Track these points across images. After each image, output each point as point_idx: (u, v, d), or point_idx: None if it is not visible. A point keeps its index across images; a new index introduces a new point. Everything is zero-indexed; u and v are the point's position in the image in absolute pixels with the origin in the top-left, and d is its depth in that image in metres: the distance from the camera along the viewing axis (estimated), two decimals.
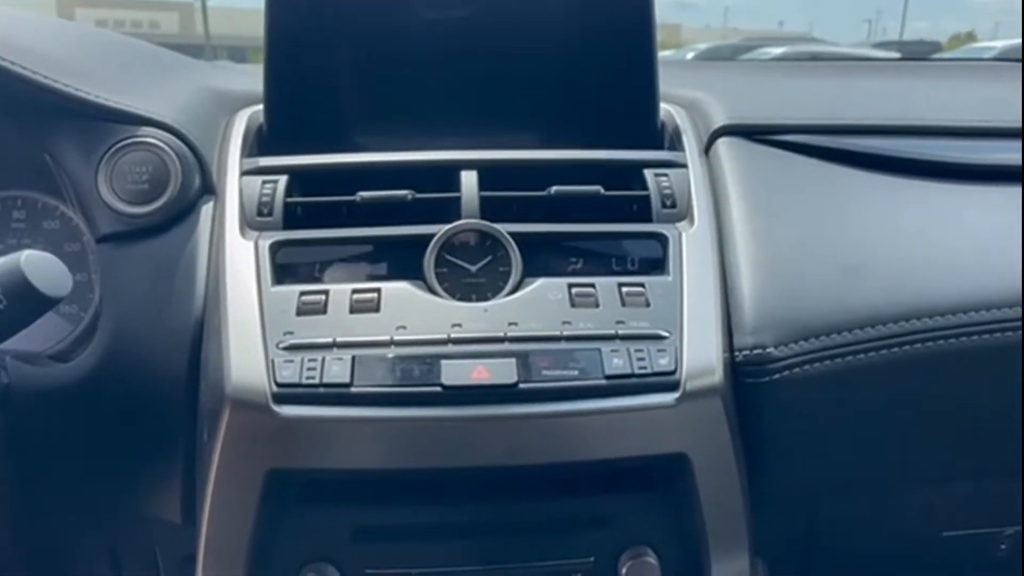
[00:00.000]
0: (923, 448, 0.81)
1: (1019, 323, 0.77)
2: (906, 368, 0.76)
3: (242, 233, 0.80)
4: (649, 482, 0.77)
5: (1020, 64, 1.18)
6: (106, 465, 0.82)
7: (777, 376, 0.75)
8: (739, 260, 0.80)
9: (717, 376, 0.73)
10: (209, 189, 0.85)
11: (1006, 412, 0.80)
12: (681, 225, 0.83)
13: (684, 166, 0.87)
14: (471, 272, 0.78)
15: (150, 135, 0.82)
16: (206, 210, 0.83)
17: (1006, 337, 0.77)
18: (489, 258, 0.78)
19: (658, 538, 0.78)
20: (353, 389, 0.69)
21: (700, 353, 0.73)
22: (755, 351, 0.75)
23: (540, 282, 0.77)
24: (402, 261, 0.79)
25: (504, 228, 0.79)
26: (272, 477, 0.71)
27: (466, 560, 0.77)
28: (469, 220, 0.79)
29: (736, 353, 0.76)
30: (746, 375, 0.75)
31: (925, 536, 0.91)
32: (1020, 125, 0.95)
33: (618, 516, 0.78)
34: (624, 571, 0.77)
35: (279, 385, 0.69)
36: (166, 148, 0.82)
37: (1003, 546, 0.92)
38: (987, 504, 0.90)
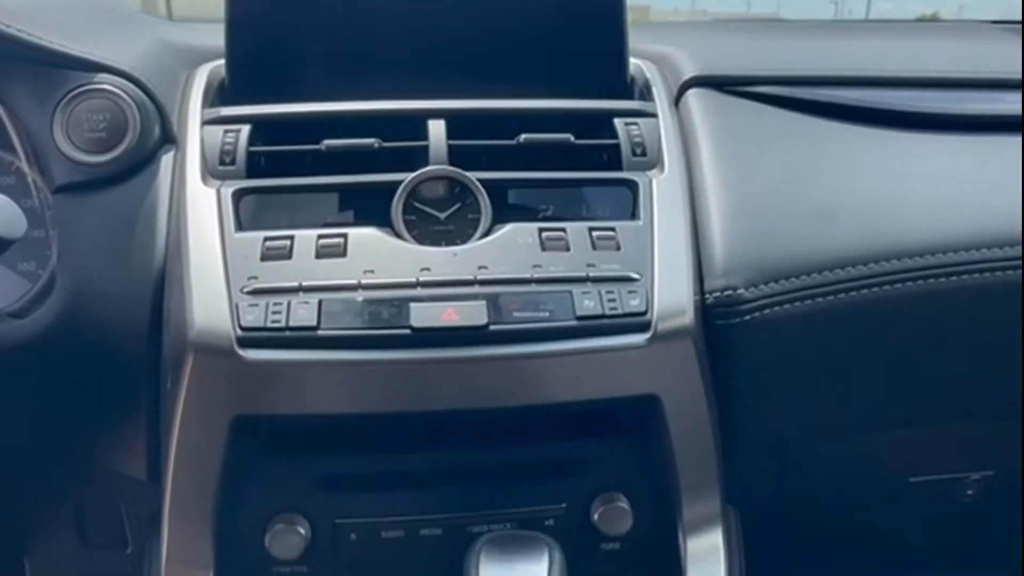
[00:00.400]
0: (893, 390, 0.82)
1: (991, 264, 0.78)
2: (878, 309, 0.76)
3: (204, 181, 0.78)
4: (621, 426, 0.77)
5: (994, 25, 1.19)
6: (67, 422, 0.80)
7: (748, 318, 0.75)
8: (710, 205, 0.80)
9: (688, 317, 0.73)
10: (169, 139, 0.83)
11: (977, 353, 0.80)
12: (652, 173, 0.82)
13: (654, 116, 0.87)
14: (440, 220, 0.77)
15: (107, 82, 0.80)
16: (166, 160, 0.81)
17: (978, 279, 0.78)
18: (458, 205, 0.77)
19: (630, 483, 0.78)
20: (320, 332, 0.68)
21: (671, 294, 0.73)
22: (726, 292, 0.75)
23: (510, 227, 0.76)
24: (369, 209, 0.78)
25: (474, 176, 0.78)
26: (238, 424, 0.69)
27: (437, 508, 0.76)
28: (437, 166, 0.78)
29: (707, 295, 0.75)
30: (717, 317, 0.75)
31: (893, 482, 0.92)
32: (990, 77, 0.95)
33: (590, 462, 0.77)
34: (596, 516, 0.77)
35: (243, 329, 0.68)
36: (124, 96, 0.80)
37: (969, 492, 0.93)
38: (954, 449, 0.91)
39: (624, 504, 0.77)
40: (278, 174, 0.80)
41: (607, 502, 0.77)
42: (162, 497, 0.74)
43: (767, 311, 0.75)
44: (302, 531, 0.75)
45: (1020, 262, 0.78)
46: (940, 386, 0.83)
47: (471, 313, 0.69)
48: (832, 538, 0.98)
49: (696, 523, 0.76)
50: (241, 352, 0.68)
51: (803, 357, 0.78)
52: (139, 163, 0.80)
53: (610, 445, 0.77)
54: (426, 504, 0.76)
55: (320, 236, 0.73)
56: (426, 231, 0.76)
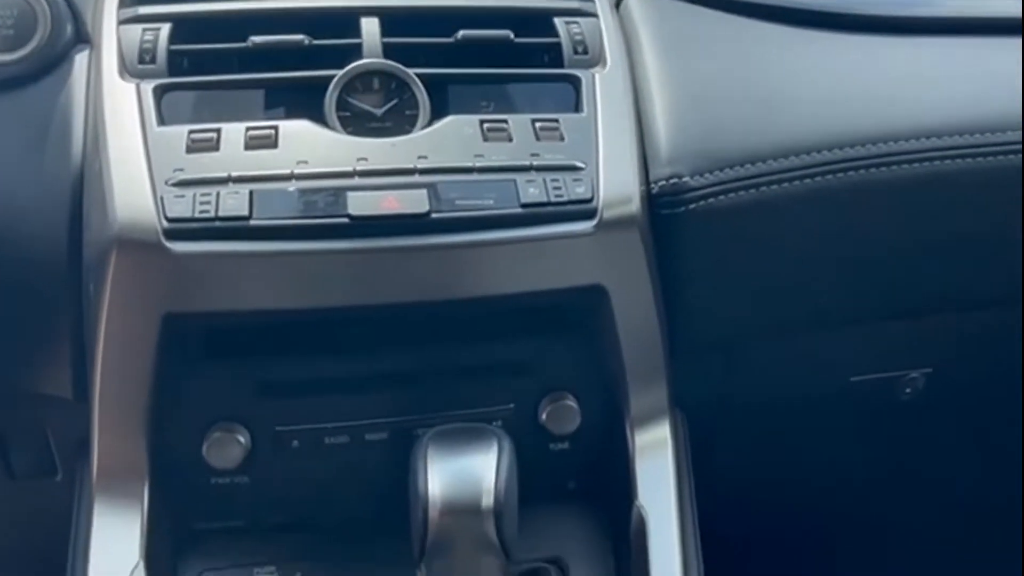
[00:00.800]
0: (839, 285, 0.82)
1: (939, 152, 0.78)
2: (825, 199, 0.76)
3: (122, 78, 0.73)
4: (567, 323, 0.75)
5: None
6: None
7: (694, 206, 0.74)
8: (654, 100, 0.79)
9: (634, 205, 0.71)
10: (83, 38, 0.78)
11: (926, 245, 0.81)
12: (594, 70, 0.80)
13: (595, 15, 0.84)
14: (376, 116, 0.74)
15: None
16: (80, 59, 0.77)
17: (928, 167, 0.78)
18: (395, 101, 0.74)
19: (577, 382, 0.77)
20: (252, 222, 0.65)
21: (617, 183, 0.71)
22: (671, 181, 0.74)
23: (450, 119, 0.73)
24: (300, 107, 0.74)
25: (411, 71, 0.75)
26: (169, 324, 0.66)
27: (382, 412, 0.74)
28: (372, 60, 0.75)
29: (652, 184, 0.74)
30: (663, 206, 0.74)
31: (834, 382, 0.93)
32: None
33: (536, 361, 0.76)
34: (544, 416, 0.76)
35: (170, 220, 0.64)
36: None
37: (908, 390, 0.95)
38: (893, 347, 0.92)
39: (572, 402, 0.76)
40: (202, 74, 0.75)
41: (555, 401, 0.76)
42: (91, 413, 0.70)
43: (713, 200, 0.74)
44: (241, 439, 0.72)
45: (969, 150, 0.78)
46: (884, 281, 0.83)
47: (412, 200, 0.66)
48: (776, 441, 0.99)
49: (644, 417, 0.76)
50: (168, 244, 0.64)
51: (750, 249, 0.78)
52: (51, 62, 0.76)
53: (557, 343, 0.76)
54: (370, 408, 0.74)
55: (249, 128, 0.70)
56: (361, 127, 0.73)
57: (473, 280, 0.69)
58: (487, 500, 0.62)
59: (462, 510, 0.61)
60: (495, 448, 0.64)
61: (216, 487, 0.73)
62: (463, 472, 0.63)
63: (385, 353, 0.73)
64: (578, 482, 0.80)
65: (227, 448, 0.72)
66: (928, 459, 1.09)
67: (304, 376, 0.73)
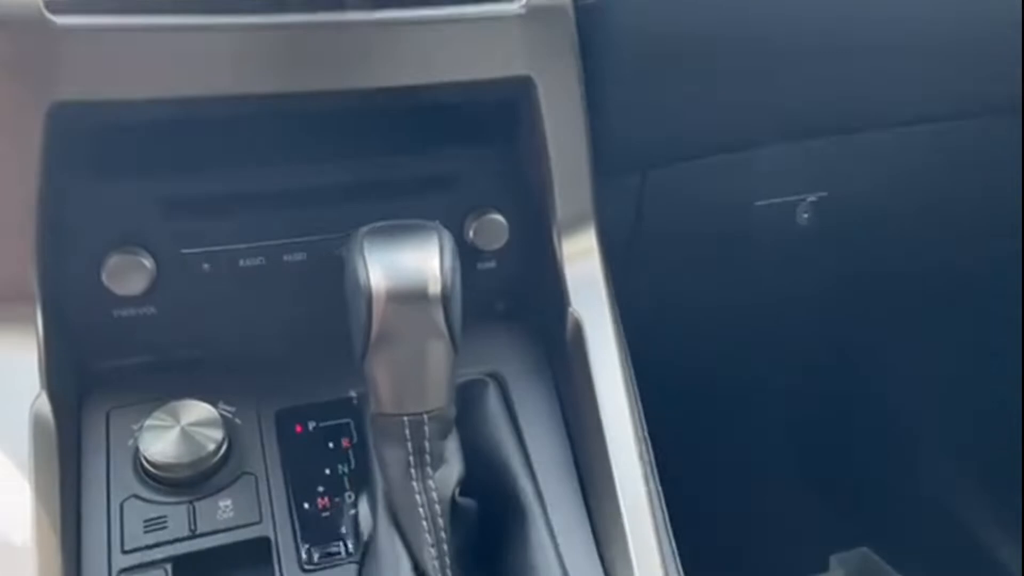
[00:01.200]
0: (755, 93, 0.83)
1: None
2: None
3: None
4: (491, 131, 0.72)
5: None
6: None
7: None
8: None
9: None
10: None
11: (820, 62, 0.83)
12: None
13: None
14: None
15: None
16: None
17: None
18: None
19: (503, 195, 0.74)
20: None
21: None
22: None
23: None
24: None
25: None
26: (56, 119, 0.58)
27: (299, 231, 0.69)
28: None
29: None
30: None
31: (739, 207, 0.94)
32: None
33: (460, 174, 0.73)
34: (471, 233, 0.73)
35: None
36: None
37: (805, 214, 0.98)
38: (791, 170, 0.94)
39: (498, 216, 0.74)
40: None
41: (480, 216, 0.73)
42: None
43: None
44: (146, 263, 0.65)
45: None
46: (786, 102, 0.85)
47: None
48: (687, 270, 1.00)
49: (571, 224, 0.74)
50: (52, 17, 0.56)
51: (673, 46, 0.77)
52: None
53: (481, 155, 0.73)
54: (286, 227, 0.69)
55: None
56: None
57: (392, 66, 0.64)
58: (434, 287, 0.59)
59: (408, 296, 0.58)
60: (435, 237, 0.61)
61: (120, 321, 0.67)
62: (406, 260, 0.59)
63: (298, 167, 0.68)
64: (507, 303, 0.78)
65: (129, 273, 0.65)
66: (823, 284, 1.15)
67: (209, 192, 0.67)
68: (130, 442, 0.64)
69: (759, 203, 0.95)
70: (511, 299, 0.78)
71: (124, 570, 0.58)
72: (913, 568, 1.45)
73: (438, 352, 0.60)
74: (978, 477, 1.41)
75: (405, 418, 0.61)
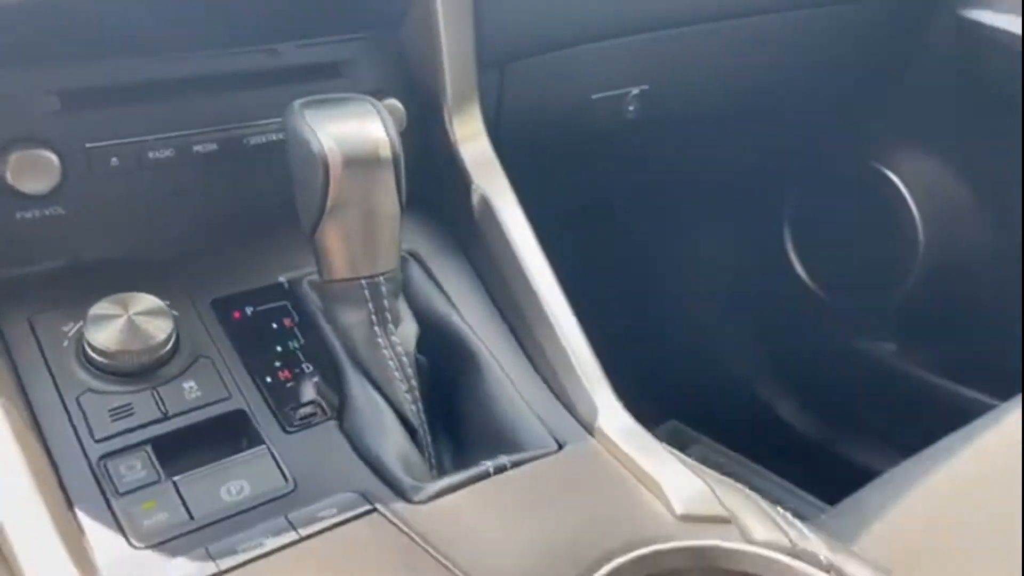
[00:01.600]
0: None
1: None
2: None
3: None
4: (385, 14, 0.74)
5: None
6: None
7: None
8: None
9: None
10: None
11: None
12: None
13: None
14: None
15: None
16: None
17: None
18: None
19: (398, 83, 0.77)
20: None
21: None
22: None
23: None
24: None
25: None
26: None
27: (201, 121, 0.68)
28: None
29: None
30: None
31: (579, 100, 1.03)
32: None
33: (352, 62, 0.75)
34: None
35: None
36: None
37: (631, 108, 1.09)
38: (620, 64, 1.04)
39: (395, 101, 0.76)
40: None
41: (380, 101, 0.75)
42: None
43: None
44: (53, 159, 0.62)
45: None
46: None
47: None
48: (541, 166, 1.08)
49: (460, 106, 0.78)
50: None
51: None
52: None
53: (375, 40, 0.75)
54: (192, 119, 0.68)
55: None
56: None
57: None
58: (384, 150, 0.61)
59: (363, 161, 0.61)
60: (370, 106, 0.64)
61: (27, 223, 0.63)
62: (353, 127, 0.61)
63: (191, 55, 0.67)
64: (411, 187, 0.81)
65: (32, 171, 0.62)
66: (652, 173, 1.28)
67: (107, 81, 0.64)
68: (65, 343, 0.61)
69: (596, 95, 1.05)
70: (415, 183, 0.81)
71: (104, 456, 0.55)
72: (717, 432, 1.66)
73: (389, 215, 0.63)
74: (768, 353, 1.64)
75: (363, 280, 0.63)
